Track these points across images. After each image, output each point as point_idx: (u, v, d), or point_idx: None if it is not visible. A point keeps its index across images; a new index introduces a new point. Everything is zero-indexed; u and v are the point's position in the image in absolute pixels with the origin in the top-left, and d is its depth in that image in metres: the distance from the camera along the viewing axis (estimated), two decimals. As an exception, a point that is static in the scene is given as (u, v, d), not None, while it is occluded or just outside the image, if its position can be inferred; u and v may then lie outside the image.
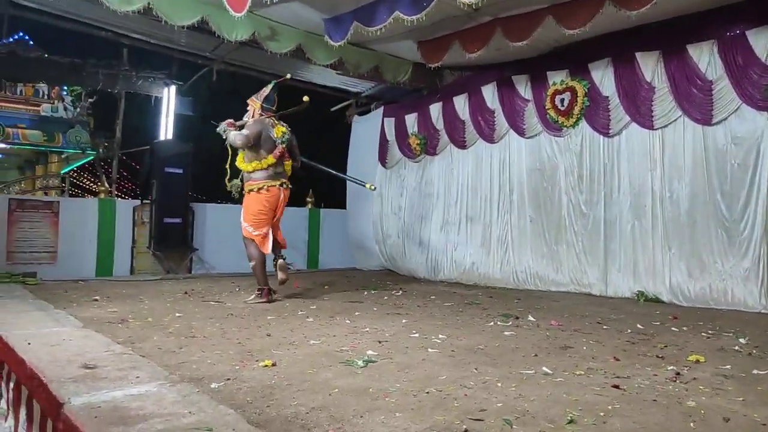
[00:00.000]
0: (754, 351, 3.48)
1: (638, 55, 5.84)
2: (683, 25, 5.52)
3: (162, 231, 7.54)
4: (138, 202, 7.84)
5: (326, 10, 5.98)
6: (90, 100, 8.33)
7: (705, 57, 5.40)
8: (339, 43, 6.06)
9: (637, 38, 5.83)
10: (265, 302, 5.21)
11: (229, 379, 2.69)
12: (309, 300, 5.51)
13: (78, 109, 8.31)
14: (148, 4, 5.50)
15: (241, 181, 5.51)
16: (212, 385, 2.59)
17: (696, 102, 5.45)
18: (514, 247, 7.04)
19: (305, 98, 5.57)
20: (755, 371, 2.98)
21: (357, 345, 3.50)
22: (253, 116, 5.51)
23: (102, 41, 7.09)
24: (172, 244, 7.73)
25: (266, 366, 2.92)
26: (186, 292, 5.71)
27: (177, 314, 4.44)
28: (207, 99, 10.00)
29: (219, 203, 9.03)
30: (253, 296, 5.34)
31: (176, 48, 7.40)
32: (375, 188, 6.14)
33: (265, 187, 5.31)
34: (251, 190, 5.34)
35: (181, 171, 7.81)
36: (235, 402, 2.37)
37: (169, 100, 8.58)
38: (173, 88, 8.55)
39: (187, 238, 7.89)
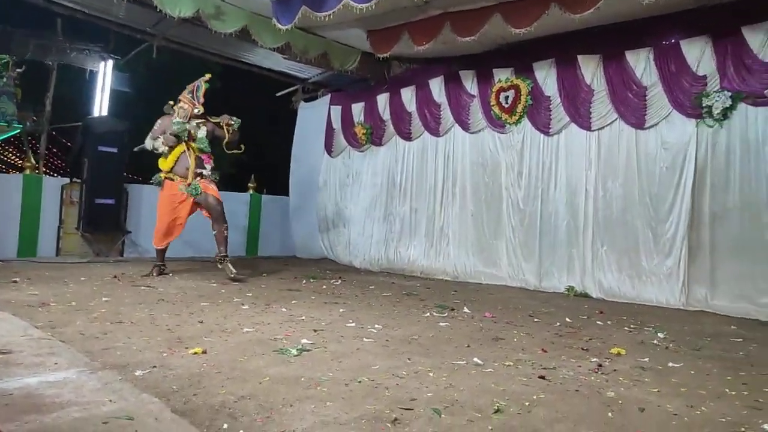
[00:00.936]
0: (671, 345, 3.68)
1: (580, 57, 6.03)
2: (623, 31, 5.73)
3: (92, 211, 7.19)
4: (67, 180, 7.44)
5: (274, -9, 5.84)
6: (18, 70, 7.79)
7: (641, 63, 5.63)
8: (286, 27, 5.93)
9: (579, 41, 6.00)
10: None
11: (155, 367, 2.60)
12: (245, 287, 5.41)
13: (5, 79, 7.77)
14: (84, -29, 5.22)
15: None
16: (136, 373, 2.49)
17: (631, 106, 5.68)
18: (454, 239, 7.15)
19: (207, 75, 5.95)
20: (671, 364, 3.15)
21: (292, 333, 3.46)
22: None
23: (33, 8, 6.65)
24: (104, 226, 7.39)
25: (195, 353, 2.85)
26: (115, 276, 5.48)
27: (104, 299, 4.25)
28: (146, 76, 9.61)
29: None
30: (230, 265, 5.73)
31: (114, 21, 7.03)
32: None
33: None
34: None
35: (115, 150, 7.45)
36: (159, 390, 2.29)
37: (105, 75, 8.18)
38: (110, 63, 8.16)
39: (120, 219, 7.57)
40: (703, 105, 5.15)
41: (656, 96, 5.52)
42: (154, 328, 3.41)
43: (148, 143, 5.76)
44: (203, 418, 2.04)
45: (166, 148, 5.68)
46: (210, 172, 5.85)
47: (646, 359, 3.25)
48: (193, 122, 5.72)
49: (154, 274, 5.71)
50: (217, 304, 4.35)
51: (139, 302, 4.21)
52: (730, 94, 5.02)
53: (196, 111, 5.74)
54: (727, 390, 2.69)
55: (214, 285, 5.40)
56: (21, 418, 1.90)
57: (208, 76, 5.87)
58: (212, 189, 5.79)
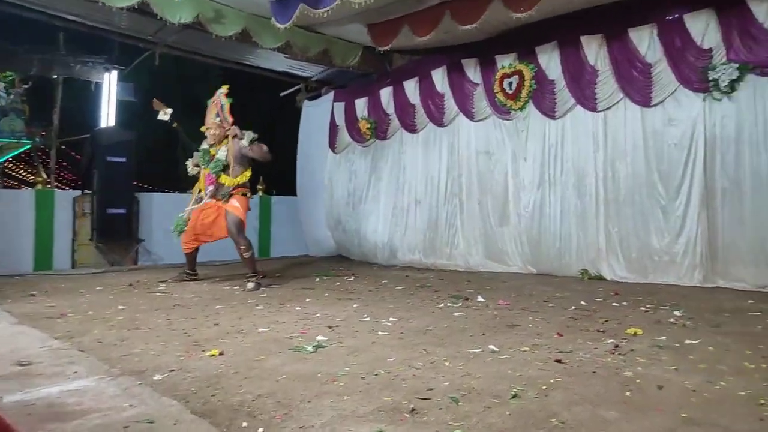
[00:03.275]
0: (688, 323, 3.65)
1: (583, 38, 5.96)
2: (625, 9, 5.64)
3: (105, 222, 7.26)
4: (79, 192, 7.51)
5: (272, -9, 5.84)
6: (24, 86, 7.86)
7: (645, 41, 5.56)
8: (285, 26, 5.93)
9: (581, 22, 5.93)
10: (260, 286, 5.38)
11: (173, 370, 2.62)
12: (259, 289, 5.44)
13: (12, 96, 7.84)
14: (83, -18, 5.26)
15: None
16: (155, 377, 2.52)
17: (636, 84, 5.61)
18: (463, 229, 7.10)
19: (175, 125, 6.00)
20: (687, 341, 3.13)
21: (307, 331, 3.48)
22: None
23: (35, 24, 6.71)
24: (116, 236, 7.46)
25: (212, 355, 2.87)
26: (131, 284, 5.53)
27: (120, 307, 4.29)
28: (150, 84, 9.66)
29: (166, 192, 8.77)
30: (252, 284, 5.35)
31: (116, 31, 7.08)
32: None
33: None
34: (244, 195, 5.66)
35: (124, 159, 7.51)
36: (178, 393, 2.32)
37: (110, 86, 8.22)
38: (114, 73, 8.19)
39: (132, 228, 7.63)
40: (710, 78, 5.07)
41: (662, 72, 5.45)
42: (171, 332, 3.44)
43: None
44: (223, 418, 2.05)
45: (196, 170, 5.79)
46: (223, 193, 5.57)
47: (663, 337, 3.22)
48: (222, 149, 5.60)
49: (172, 281, 5.72)
50: (232, 306, 4.38)
51: (155, 308, 4.25)
52: (736, 65, 4.93)
53: (228, 133, 5.59)
54: (747, 364, 2.66)
55: (228, 288, 5.43)
56: (44, 427, 1.93)
57: (225, 88, 5.69)
58: (231, 205, 5.54)
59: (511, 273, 6.56)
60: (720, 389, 2.31)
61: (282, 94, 9.71)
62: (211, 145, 5.66)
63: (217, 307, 4.36)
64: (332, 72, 8.63)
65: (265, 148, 5.59)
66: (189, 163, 5.85)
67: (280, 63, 8.29)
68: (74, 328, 3.51)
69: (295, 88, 9.52)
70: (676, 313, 3.95)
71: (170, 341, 3.19)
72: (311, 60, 7.55)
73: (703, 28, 5.19)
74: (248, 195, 5.72)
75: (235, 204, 5.54)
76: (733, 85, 4.99)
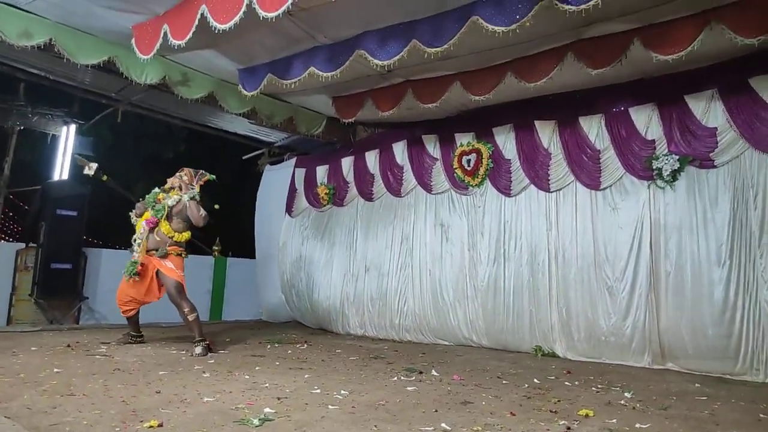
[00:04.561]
0: (638, 405, 3.68)
1: (537, 123, 6.28)
2: (576, 98, 6.03)
3: (48, 277, 6.95)
4: (23, 245, 7.21)
5: (241, 60, 5.97)
6: (-23, 134, 7.71)
7: (594, 128, 5.90)
8: (252, 93, 6.04)
9: (536, 108, 6.27)
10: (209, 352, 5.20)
11: (107, 443, 2.46)
12: (215, 352, 5.24)
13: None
14: (51, 40, 5.26)
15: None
16: (86, 450, 2.35)
17: (586, 169, 5.90)
18: (416, 300, 7.06)
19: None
20: (638, 425, 3.14)
21: (254, 402, 3.34)
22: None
23: (-6, 73, 6.63)
24: (59, 292, 7.14)
25: (151, 427, 2.71)
26: (69, 345, 5.22)
27: (55, 369, 4.03)
28: (112, 140, 9.57)
29: (116, 248, 8.50)
30: (200, 348, 5.12)
31: (79, 86, 7.05)
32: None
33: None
34: (179, 255, 5.49)
35: (75, 213, 7.32)
36: (111, 468, 2.16)
37: (66, 139, 8.10)
38: (73, 127, 8.10)
39: (77, 285, 7.33)
40: (654, 167, 5.39)
41: (609, 159, 5.76)
42: (108, 400, 3.24)
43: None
44: (157, 498, 1.92)
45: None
46: (164, 248, 5.37)
47: (614, 420, 3.23)
48: (174, 197, 5.48)
49: (116, 343, 5.46)
50: (177, 373, 4.18)
51: (93, 373, 4.01)
52: (677, 157, 5.27)
53: (191, 187, 5.57)
54: (694, 450, 2.68)
55: (174, 352, 5.20)
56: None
57: (213, 177, 5.76)
58: (166, 267, 5.35)
59: (466, 346, 6.53)
60: (668, 475, 2.31)
61: (245, 157, 9.76)
62: (166, 191, 5.56)
63: (161, 372, 4.16)
64: (296, 139, 8.75)
65: (202, 212, 5.44)
66: (132, 214, 5.61)
67: (244, 127, 8.37)
68: (2, 392, 3.27)
69: (258, 152, 9.60)
70: (627, 395, 3.98)
71: (106, 410, 3.00)
72: (276, 127, 7.66)
73: (647, 121, 5.57)
74: (183, 255, 5.54)
75: (169, 266, 5.36)
76: (674, 175, 5.30)
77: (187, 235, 5.54)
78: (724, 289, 4.93)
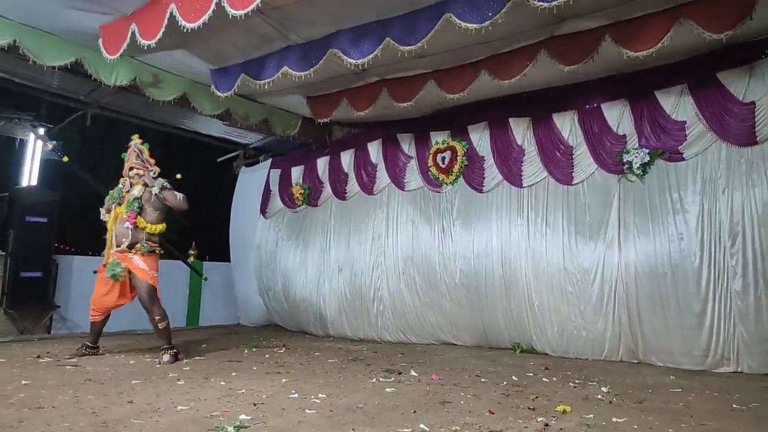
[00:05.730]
0: (614, 399, 3.71)
1: (511, 120, 6.31)
2: (550, 95, 6.07)
3: (17, 286, 6.77)
4: (-10, 254, 7.01)
5: (213, 60, 5.88)
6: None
7: (567, 125, 5.95)
8: (225, 94, 5.95)
9: (510, 105, 6.30)
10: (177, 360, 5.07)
11: (75, 456, 2.38)
12: (182, 360, 5.14)
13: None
14: (15, 41, 5.12)
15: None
16: (53, 465, 2.28)
17: (559, 164, 5.94)
18: (392, 299, 6.99)
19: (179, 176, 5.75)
20: (615, 419, 3.16)
21: (230, 409, 3.28)
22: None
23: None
24: (29, 301, 6.95)
25: (122, 438, 2.64)
26: (39, 356, 5.09)
27: (24, 381, 3.91)
28: (80, 144, 9.36)
29: (89, 255, 8.30)
30: (168, 356, 5.01)
31: (47, 90, 6.87)
32: (206, 278, 5.89)
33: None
34: (153, 252, 5.27)
35: (45, 220, 7.14)
36: (78, 483, 2.09)
37: (34, 144, 7.90)
38: (41, 131, 7.90)
39: (48, 293, 7.15)
40: (624, 161, 5.46)
41: (582, 155, 5.80)
42: (78, 411, 3.15)
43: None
44: None
45: (108, 216, 5.37)
46: (144, 242, 5.16)
47: (591, 415, 3.25)
48: (138, 188, 5.29)
49: (70, 356, 5.14)
50: (151, 381, 4.09)
51: (63, 384, 3.91)
52: (647, 150, 5.34)
53: (152, 173, 5.35)
54: (669, 443, 2.71)
55: (149, 360, 5.10)
56: None
57: (135, 137, 5.51)
58: (139, 268, 5.11)
59: (445, 345, 6.53)
60: (644, 470, 2.32)
61: (219, 159, 9.63)
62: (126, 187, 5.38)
63: (134, 381, 4.06)
64: (271, 140, 8.67)
65: (179, 195, 5.31)
66: (102, 210, 5.44)
67: (218, 129, 8.26)
68: (-34, 408, 3.17)
69: (233, 154, 9.49)
70: (603, 389, 4.01)
71: (76, 422, 2.92)
72: (251, 128, 7.57)
73: (618, 117, 5.64)
74: (158, 251, 5.33)
75: (142, 266, 5.12)
76: (644, 168, 5.37)
77: (161, 226, 5.34)
78: (696, 281, 5.00)
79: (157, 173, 5.40)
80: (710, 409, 3.44)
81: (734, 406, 3.54)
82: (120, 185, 5.45)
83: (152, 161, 5.47)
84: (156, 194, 5.26)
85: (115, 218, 5.30)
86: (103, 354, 5.36)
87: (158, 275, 5.25)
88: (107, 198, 5.45)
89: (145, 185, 5.31)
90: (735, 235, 4.88)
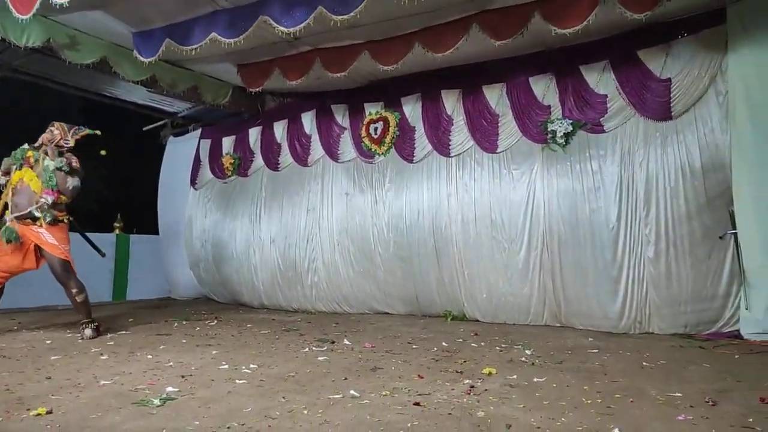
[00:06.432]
0: (537, 360, 3.90)
1: (443, 92, 6.38)
2: (481, 69, 6.17)
3: None
4: None
5: (135, 23, 5.56)
6: None
7: (495, 96, 6.07)
8: (149, 60, 5.66)
9: (443, 78, 6.36)
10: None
11: (-14, 435, 2.27)
12: (106, 335, 4.97)
13: None
14: None
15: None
16: (-38, 445, 2.17)
17: (485, 133, 6.07)
18: (327, 270, 7.02)
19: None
20: (536, 379, 3.33)
21: (156, 382, 3.21)
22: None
23: None
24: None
25: (39, 414, 2.54)
26: (-52, 334, 4.79)
27: (-70, 361, 3.69)
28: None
29: None
30: (90, 330, 4.84)
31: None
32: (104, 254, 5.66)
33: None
34: (60, 221, 4.97)
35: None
36: (-11, 462, 2.00)
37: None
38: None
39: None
40: (548, 130, 5.65)
41: (507, 123, 5.96)
42: (-9, 390, 3.00)
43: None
44: (41, 489, 1.80)
45: (4, 179, 5.07)
46: (42, 212, 4.84)
47: (514, 376, 3.41)
48: (57, 160, 4.97)
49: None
50: (71, 357, 3.94)
51: (-26, 362, 3.70)
52: (570, 121, 5.55)
53: (63, 142, 5.07)
54: (584, 399, 2.88)
55: (69, 335, 4.90)
56: None
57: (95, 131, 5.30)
58: (48, 243, 4.83)
59: (379, 314, 6.63)
60: (561, 425, 2.47)
61: (145, 128, 9.22)
62: (36, 148, 5.04)
63: (53, 357, 3.90)
64: (201, 109, 8.37)
65: (70, 185, 4.99)
66: None
67: (143, 96, 7.88)
68: None
69: (160, 123, 9.10)
70: (527, 352, 4.21)
71: (-12, 401, 2.78)
72: (179, 96, 7.27)
73: (544, 89, 5.81)
74: (66, 220, 5.01)
75: (51, 241, 4.84)
76: (567, 138, 5.58)
77: (65, 197, 5.03)
78: (612, 249, 5.28)
79: (65, 148, 5.10)
80: (623, 368, 3.69)
81: (644, 364, 3.81)
82: (25, 146, 5.11)
83: (76, 137, 5.17)
84: (52, 169, 4.95)
85: (15, 183, 4.96)
86: (19, 330, 5.09)
87: (70, 247, 4.99)
88: (6, 159, 5.09)
89: (46, 154, 5.02)
90: (649, 205, 5.17)
